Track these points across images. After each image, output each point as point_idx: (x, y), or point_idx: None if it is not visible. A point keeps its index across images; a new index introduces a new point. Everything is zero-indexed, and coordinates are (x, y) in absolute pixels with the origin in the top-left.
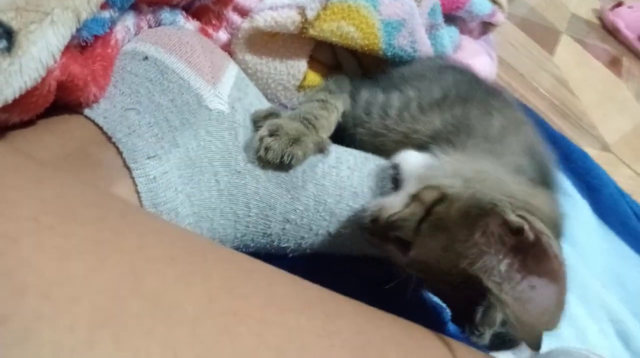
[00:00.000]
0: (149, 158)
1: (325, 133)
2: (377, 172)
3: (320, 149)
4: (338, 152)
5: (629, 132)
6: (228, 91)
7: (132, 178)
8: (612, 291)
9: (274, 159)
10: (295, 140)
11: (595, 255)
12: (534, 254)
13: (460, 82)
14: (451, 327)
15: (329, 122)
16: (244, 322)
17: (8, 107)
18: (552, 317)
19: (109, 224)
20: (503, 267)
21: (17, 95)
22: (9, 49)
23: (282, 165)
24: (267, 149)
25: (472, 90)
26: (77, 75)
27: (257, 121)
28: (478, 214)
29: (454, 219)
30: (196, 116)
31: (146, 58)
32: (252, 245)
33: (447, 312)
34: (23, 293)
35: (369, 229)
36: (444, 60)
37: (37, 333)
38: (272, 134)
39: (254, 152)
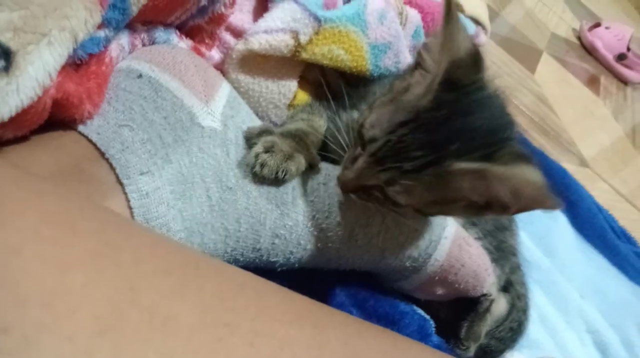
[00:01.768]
0: (141, 174)
1: (314, 148)
2: None
3: (311, 165)
4: (327, 169)
5: (606, 148)
6: (221, 109)
7: (125, 193)
8: (590, 302)
9: (270, 175)
10: (289, 157)
11: (574, 267)
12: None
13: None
14: (435, 338)
15: (317, 139)
16: (237, 332)
17: (3, 124)
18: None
19: (107, 237)
20: None
21: (13, 114)
22: (6, 68)
23: (277, 181)
24: (262, 165)
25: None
26: (72, 93)
27: (251, 138)
28: None
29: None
30: (189, 133)
31: (140, 76)
32: (241, 259)
33: (432, 324)
34: (24, 303)
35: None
36: (394, 76)
37: (38, 343)
38: (267, 150)
39: (249, 168)
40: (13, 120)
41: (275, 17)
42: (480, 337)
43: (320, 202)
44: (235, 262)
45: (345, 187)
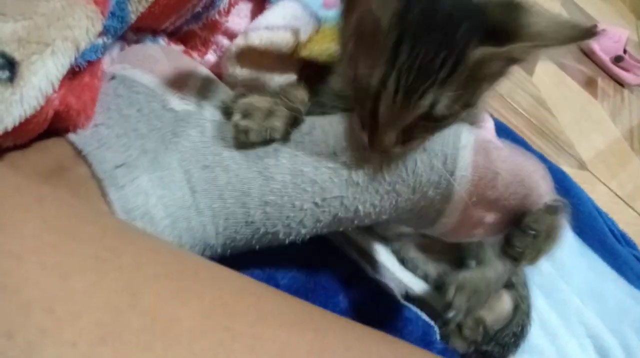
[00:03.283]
0: (117, 167)
1: (299, 104)
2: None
3: (295, 118)
4: (311, 120)
5: (604, 150)
6: (194, 92)
7: (102, 188)
8: (590, 307)
9: (257, 139)
10: (270, 113)
11: (574, 272)
12: None
13: None
14: (439, 345)
15: (300, 94)
16: (237, 337)
17: (5, 133)
18: None
19: (107, 242)
20: None
21: (16, 124)
22: (11, 79)
23: (265, 143)
24: (246, 132)
25: None
26: (73, 106)
27: (228, 107)
28: None
29: None
30: (162, 120)
31: (113, 77)
32: (238, 237)
33: (436, 330)
34: (28, 309)
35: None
36: None
37: (40, 348)
38: (245, 114)
39: (231, 143)
40: (15, 129)
41: (277, 14)
42: (539, 255)
43: (306, 155)
44: (232, 241)
45: (391, 145)
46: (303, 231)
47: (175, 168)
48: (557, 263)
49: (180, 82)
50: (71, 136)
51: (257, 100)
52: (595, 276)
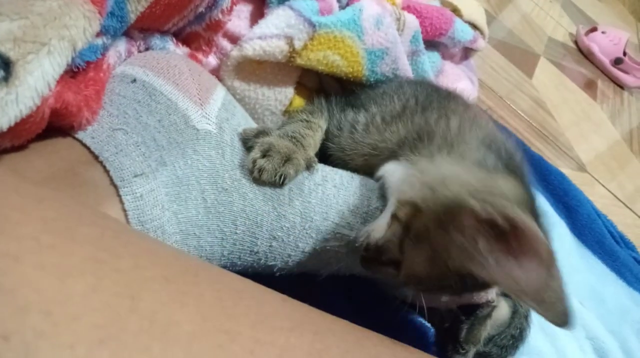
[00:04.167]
0: (135, 176)
1: (312, 151)
2: (362, 191)
3: (308, 166)
4: (324, 171)
5: (604, 151)
6: (216, 112)
7: (119, 196)
8: (590, 309)
9: (269, 179)
10: (287, 159)
11: (574, 273)
12: (515, 236)
13: (418, 92)
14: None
15: (315, 140)
16: (237, 340)
17: (1, 134)
18: (551, 289)
19: (106, 244)
20: (489, 256)
21: (12, 124)
22: (6, 78)
23: (275, 184)
24: (260, 170)
25: (429, 98)
26: (70, 102)
27: (248, 140)
28: (450, 216)
29: (430, 228)
30: (183, 136)
31: (134, 80)
32: (239, 263)
33: (432, 332)
34: (25, 311)
35: (364, 257)
36: (404, 77)
37: (37, 351)
38: (264, 154)
39: (247, 173)
40: (11, 129)
41: (270, 23)
42: (479, 340)
43: (317, 204)
44: (232, 266)
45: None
46: (296, 270)
47: (193, 185)
48: None
49: (202, 100)
50: (86, 139)
51: (278, 143)
52: (595, 278)
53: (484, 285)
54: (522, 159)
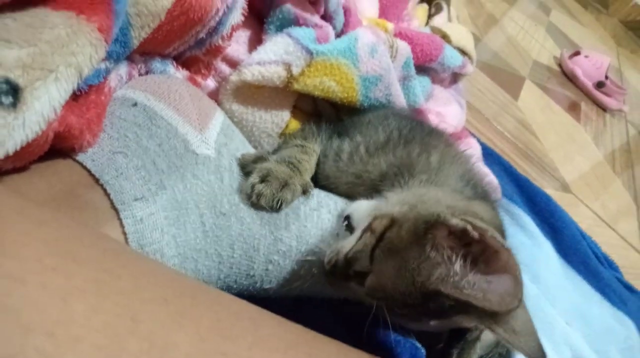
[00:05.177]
0: (136, 200)
1: (308, 175)
2: (337, 220)
3: (304, 191)
4: (319, 196)
5: (587, 172)
6: (215, 137)
7: (120, 219)
8: (576, 329)
9: (267, 204)
10: (285, 185)
11: (560, 293)
12: (483, 253)
13: (402, 126)
14: None
15: (311, 165)
16: None
17: (5, 157)
18: (513, 298)
19: (106, 265)
20: (457, 272)
21: (18, 148)
22: (14, 104)
23: (272, 209)
24: (259, 196)
25: (412, 132)
26: (73, 125)
27: (246, 166)
28: (425, 229)
29: (404, 240)
30: (183, 160)
31: (135, 104)
32: (235, 286)
33: (423, 352)
34: (28, 331)
35: (330, 273)
36: (390, 109)
37: None
38: (262, 179)
39: (246, 198)
40: (16, 152)
41: (269, 49)
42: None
43: (313, 228)
44: (229, 289)
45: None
46: (291, 294)
47: (192, 209)
48: (543, 285)
49: (202, 125)
50: (87, 162)
51: (276, 169)
52: (580, 298)
53: (448, 312)
54: (495, 203)
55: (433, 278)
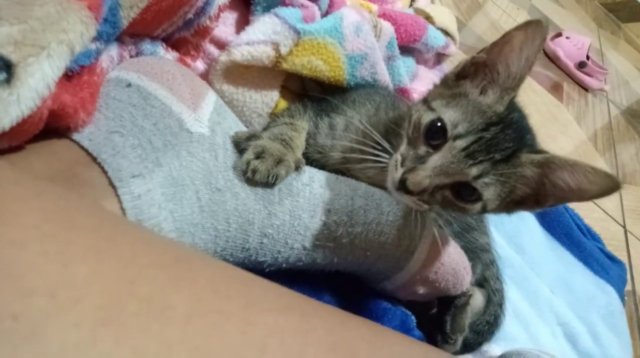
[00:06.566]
0: (133, 177)
1: (300, 152)
2: (345, 191)
3: (297, 167)
4: (311, 172)
5: (571, 151)
6: (208, 116)
7: (118, 196)
8: (559, 296)
9: (262, 180)
10: (279, 161)
11: (544, 264)
12: None
13: (387, 99)
14: (417, 332)
15: (301, 141)
16: (230, 320)
17: (1, 134)
18: None
19: (105, 233)
20: None
21: (14, 124)
22: (8, 80)
23: (267, 185)
24: (254, 171)
25: (396, 102)
26: (67, 103)
27: (240, 143)
28: None
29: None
30: (178, 138)
31: (129, 85)
32: (231, 259)
33: (413, 319)
34: (31, 293)
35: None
36: (372, 88)
37: (45, 329)
38: (257, 156)
39: (241, 174)
40: (11, 130)
41: (257, 29)
42: (464, 328)
43: (305, 203)
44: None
45: (419, 186)
46: (284, 265)
47: (188, 185)
48: (528, 256)
49: (195, 104)
50: (84, 141)
51: (270, 146)
52: (564, 268)
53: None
54: None
55: None
